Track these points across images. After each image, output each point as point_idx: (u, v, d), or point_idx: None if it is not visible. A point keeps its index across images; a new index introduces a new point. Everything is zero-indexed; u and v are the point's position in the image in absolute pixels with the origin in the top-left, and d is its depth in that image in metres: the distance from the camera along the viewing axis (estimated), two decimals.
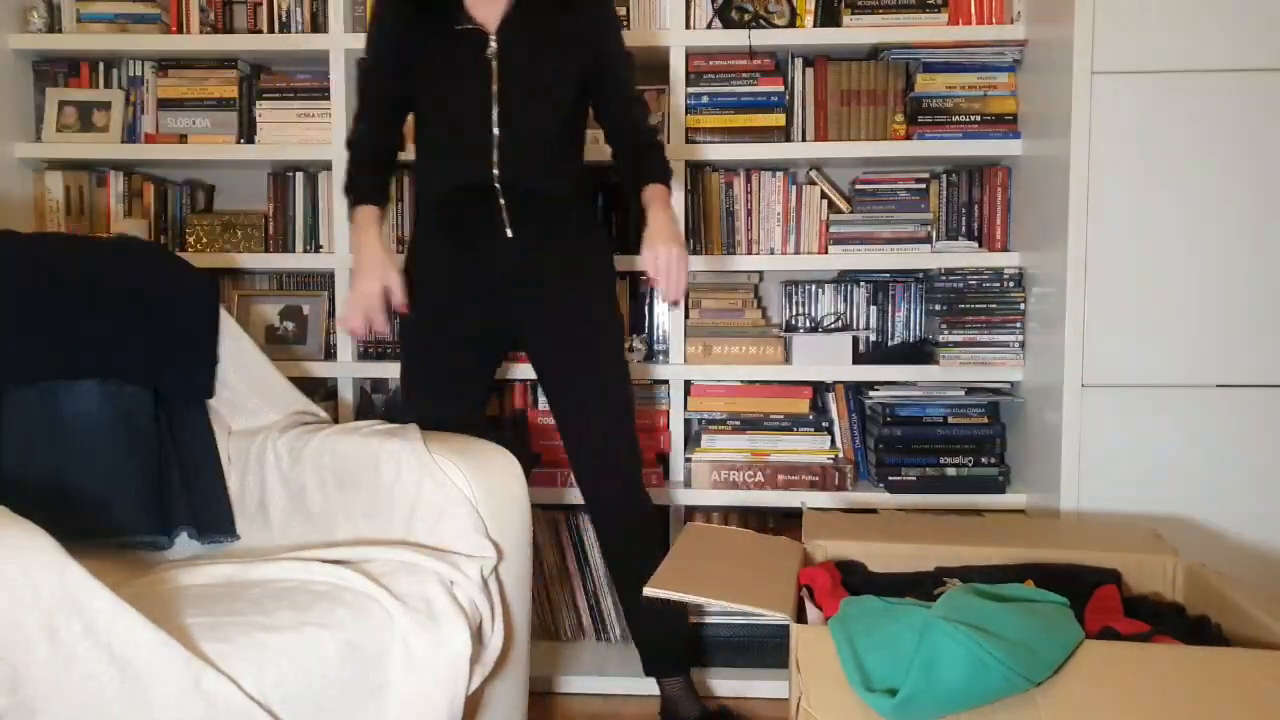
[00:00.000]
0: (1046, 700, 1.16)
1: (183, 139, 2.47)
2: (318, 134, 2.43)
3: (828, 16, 2.39)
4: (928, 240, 2.40)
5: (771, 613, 1.33)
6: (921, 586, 1.51)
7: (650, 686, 2.19)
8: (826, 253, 2.42)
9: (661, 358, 2.47)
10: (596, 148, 2.11)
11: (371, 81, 1.92)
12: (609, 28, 1.91)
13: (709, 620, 2.30)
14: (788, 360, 2.40)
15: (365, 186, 1.89)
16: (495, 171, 1.85)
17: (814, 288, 2.53)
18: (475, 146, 1.85)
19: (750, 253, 2.46)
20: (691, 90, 2.37)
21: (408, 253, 1.99)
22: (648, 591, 1.38)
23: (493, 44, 1.82)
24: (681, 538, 1.63)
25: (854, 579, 1.56)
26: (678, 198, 2.33)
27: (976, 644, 1.12)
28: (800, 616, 1.38)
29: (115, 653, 1.17)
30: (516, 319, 1.95)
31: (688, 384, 2.42)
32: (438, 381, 1.95)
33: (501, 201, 1.87)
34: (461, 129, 1.85)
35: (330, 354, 2.49)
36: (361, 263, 1.83)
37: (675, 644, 2.02)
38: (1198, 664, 1.20)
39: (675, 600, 1.42)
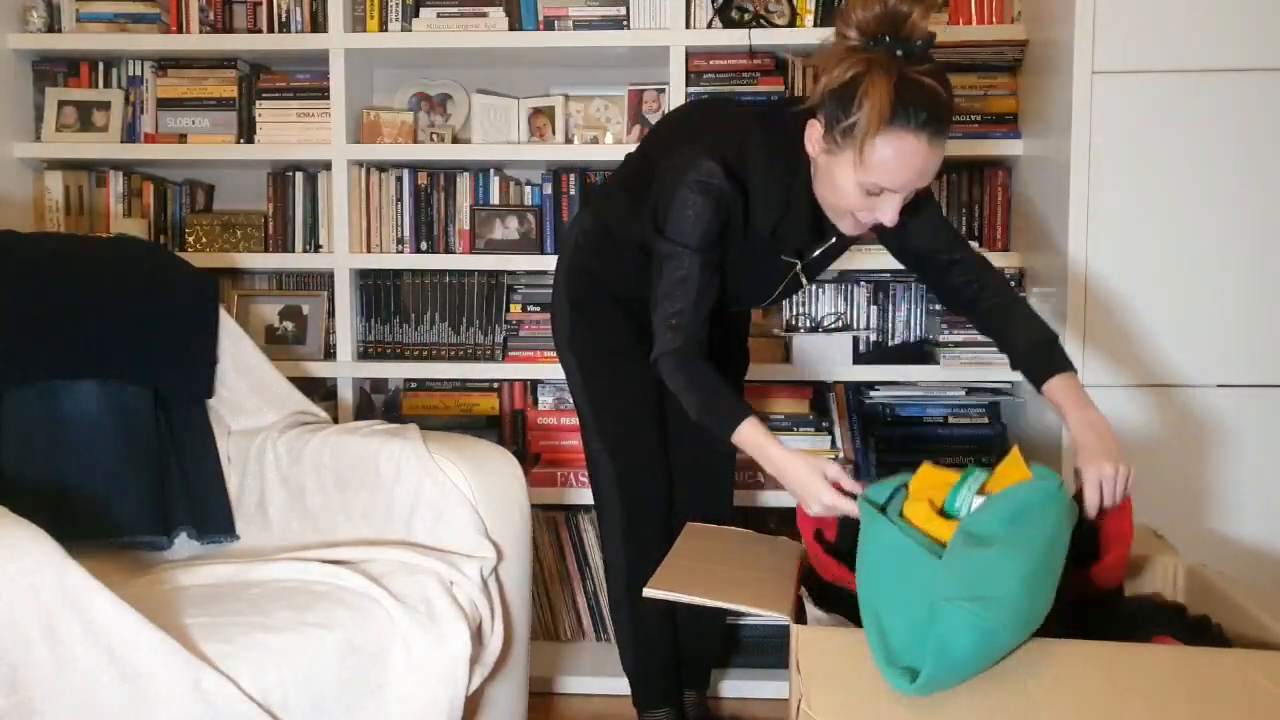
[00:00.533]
0: (1046, 699, 1.16)
1: (182, 139, 2.47)
2: (317, 134, 2.42)
3: (828, 16, 2.38)
4: None
5: (771, 613, 1.33)
6: None
7: None
8: None
9: None
10: None
11: (703, 275, 1.56)
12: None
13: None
14: (788, 360, 2.39)
15: (736, 398, 1.56)
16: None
17: (814, 287, 2.53)
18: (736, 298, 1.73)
19: None
20: (691, 90, 2.37)
21: (583, 256, 1.84)
22: (647, 592, 1.38)
23: (799, 271, 1.71)
24: (682, 538, 1.62)
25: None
26: None
27: (983, 618, 1.13)
28: (800, 617, 1.38)
29: (115, 653, 1.17)
30: None
31: None
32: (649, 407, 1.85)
33: None
34: (735, 295, 1.72)
35: (330, 354, 2.49)
36: (799, 478, 1.47)
37: (709, 659, 2.06)
38: (1198, 664, 1.20)
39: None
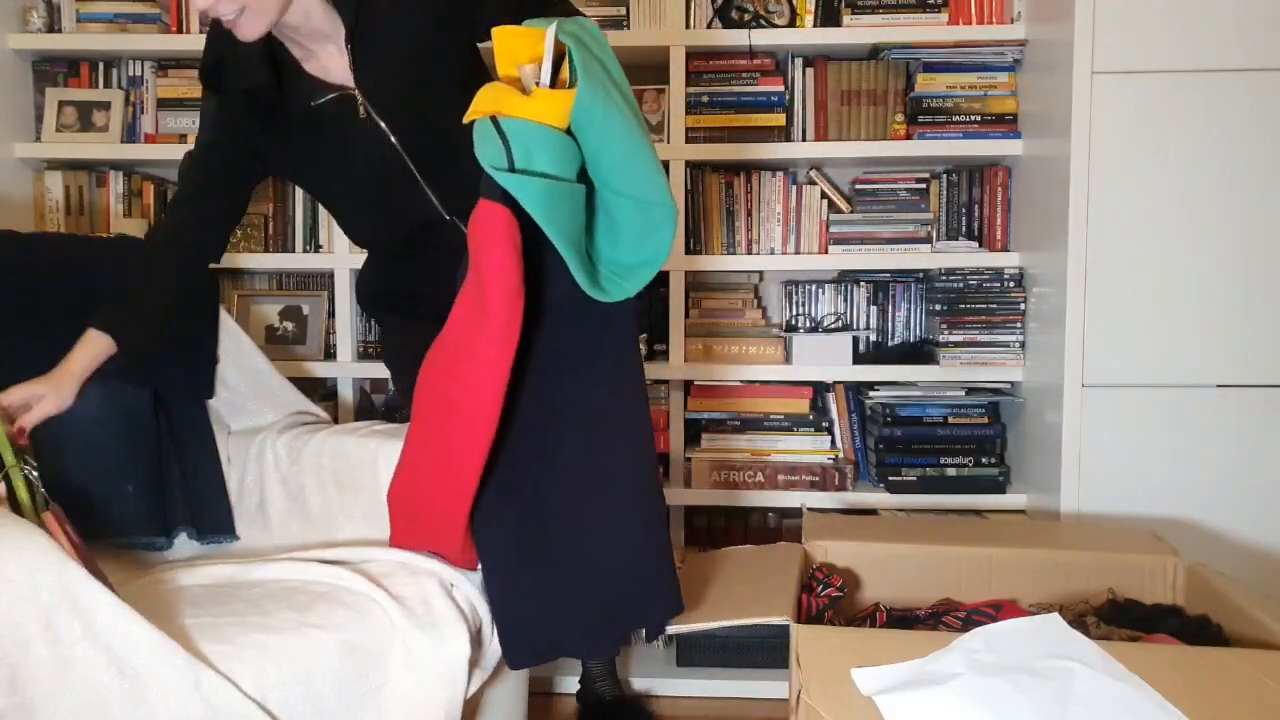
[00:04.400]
0: None
1: (182, 139, 2.47)
2: None
3: (828, 16, 2.38)
4: (928, 240, 2.40)
5: (772, 617, 1.34)
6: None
7: (651, 687, 2.20)
8: (826, 253, 2.42)
9: (662, 357, 2.47)
10: None
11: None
12: None
13: (706, 623, 2.29)
14: (788, 360, 2.40)
15: (129, 307, 1.69)
16: None
17: (814, 288, 2.53)
18: None
19: (750, 253, 2.45)
20: (691, 90, 2.37)
21: None
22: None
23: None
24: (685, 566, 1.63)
25: None
26: (678, 197, 2.32)
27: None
28: (800, 616, 1.38)
29: (115, 653, 1.17)
30: None
31: (688, 384, 2.41)
32: None
33: None
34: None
35: (330, 354, 2.49)
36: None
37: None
38: (1198, 664, 1.20)
39: None
